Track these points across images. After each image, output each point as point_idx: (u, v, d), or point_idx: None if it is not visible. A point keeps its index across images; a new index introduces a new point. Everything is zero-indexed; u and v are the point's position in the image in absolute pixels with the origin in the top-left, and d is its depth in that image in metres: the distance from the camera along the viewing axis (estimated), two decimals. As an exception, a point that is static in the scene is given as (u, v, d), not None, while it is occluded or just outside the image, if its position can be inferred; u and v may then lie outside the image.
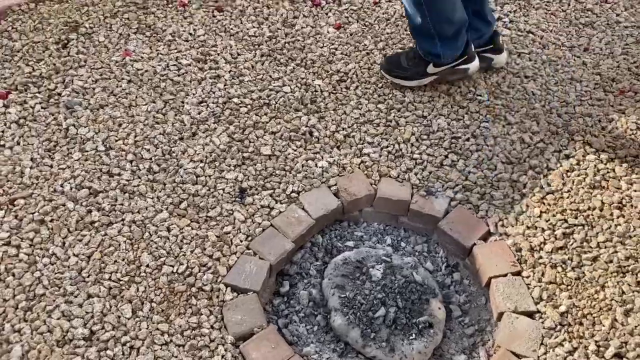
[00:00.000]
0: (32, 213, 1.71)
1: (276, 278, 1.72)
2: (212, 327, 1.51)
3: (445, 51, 1.96)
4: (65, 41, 2.27)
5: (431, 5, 1.83)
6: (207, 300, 1.55)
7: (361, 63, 2.23)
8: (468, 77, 2.09)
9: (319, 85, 2.13)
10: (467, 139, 1.97)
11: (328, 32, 2.37)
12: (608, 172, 1.85)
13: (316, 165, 1.89)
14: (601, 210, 1.75)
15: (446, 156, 1.92)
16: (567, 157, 1.91)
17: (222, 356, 1.45)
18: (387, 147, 1.95)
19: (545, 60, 2.26)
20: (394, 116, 2.04)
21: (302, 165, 1.88)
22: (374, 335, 1.54)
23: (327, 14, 2.46)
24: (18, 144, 1.90)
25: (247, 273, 1.61)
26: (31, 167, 1.83)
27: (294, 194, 1.81)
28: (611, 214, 1.74)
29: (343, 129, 2.00)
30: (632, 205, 1.75)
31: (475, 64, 2.04)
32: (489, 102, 2.08)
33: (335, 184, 1.83)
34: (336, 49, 2.29)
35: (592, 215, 1.74)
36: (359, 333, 1.54)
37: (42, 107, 2.02)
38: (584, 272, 1.61)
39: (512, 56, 2.27)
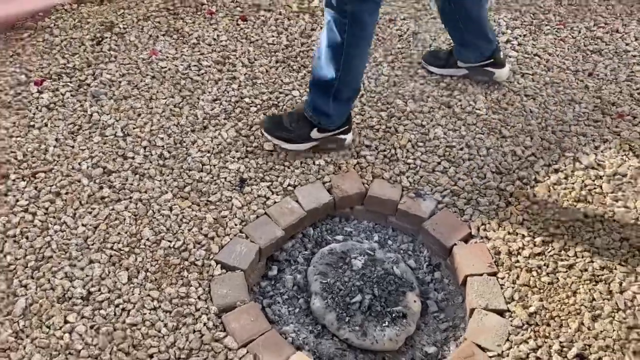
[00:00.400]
0: (50, 186, 1.88)
1: (266, 263, 1.83)
2: (199, 297, 1.62)
3: (335, 112, 1.94)
4: (100, 39, 2.48)
5: (348, 61, 1.82)
6: (197, 274, 1.68)
7: (369, 74, 2.36)
8: (343, 147, 2.04)
9: (326, 91, 2.26)
10: (461, 149, 2.06)
11: (342, 44, 2.51)
12: (595, 188, 1.91)
13: (314, 162, 2.00)
14: (583, 222, 1.81)
15: (439, 163, 2.01)
16: (556, 171, 1.97)
17: (204, 324, 1.56)
18: (383, 151, 2.06)
19: (547, 81, 2.34)
20: (393, 123, 2.15)
21: (301, 162, 2.00)
22: (349, 319, 1.63)
23: (343, 28, 2.61)
24: (46, 125, 2.09)
25: (237, 253, 1.73)
26: (54, 146, 2.01)
27: (290, 187, 1.93)
28: (592, 227, 1.79)
29: (344, 132, 2.12)
30: (614, 220, 1.80)
31: (350, 136, 2.03)
32: (487, 116, 2.16)
33: (330, 181, 1.95)
34: (347, 59, 2.43)
35: (574, 226, 1.80)
36: (335, 316, 1.63)
37: (71, 95, 2.21)
38: (558, 278, 1.67)
39: (516, 76, 2.36)
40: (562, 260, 1.71)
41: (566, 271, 1.69)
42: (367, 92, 2.28)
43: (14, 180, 1.89)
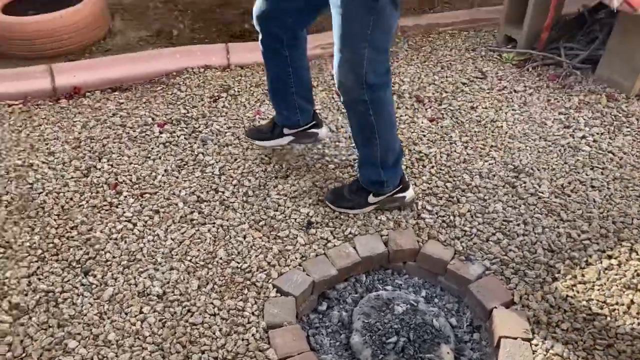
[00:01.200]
0: (152, 205, 2.24)
1: (318, 299, 2.02)
2: (252, 313, 1.84)
3: (388, 178, 2.14)
4: (217, 97, 2.93)
5: (383, 135, 2.04)
6: (255, 293, 1.91)
7: (442, 149, 2.57)
8: (405, 205, 2.23)
9: (400, 160, 2.49)
10: (518, 224, 2.17)
11: (422, 122, 2.76)
12: (648, 279, 1.93)
13: (376, 217, 2.21)
14: (629, 307, 1.83)
15: (494, 234, 2.14)
16: (610, 257, 2.02)
17: (252, 335, 1.77)
18: (443, 216, 2.22)
19: (617, 177, 2.41)
20: (457, 194, 2.32)
21: (364, 215, 2.22)
22: (382, 357, 1.76)
23: (426, 109, 2.87)
24: (159, 158, 2.50)
25: (293, 282, 1.94)
26: (162, 175, 2.40)
27: (350, 235, 2.14)
28: (638, 313, 1.81)
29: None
30: (663, 311, 1.81)
31: (411, 192, 2.22)
32: (548, 199, 2.27)
33: (387, 235, 2.13)
34: (424, 135, 2.67)
35: (618, 310, 1.82)
36: (370, 352, 1.77)
37: (184, 138, 2.63)
38: (593, 355, 1.70)
39: (585, 168, 2.45)
40: (601, 339, 1.74)
41: (604, 350, 1.71)
42: (437, 165, 2.48)
43: (125, 197, 2.28)
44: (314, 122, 2.46)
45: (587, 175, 2.42)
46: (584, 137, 2.67)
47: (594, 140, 2.64)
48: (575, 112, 2.85)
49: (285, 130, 2.46)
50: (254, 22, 2.14)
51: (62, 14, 3.16)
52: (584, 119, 2.79)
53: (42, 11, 3.19)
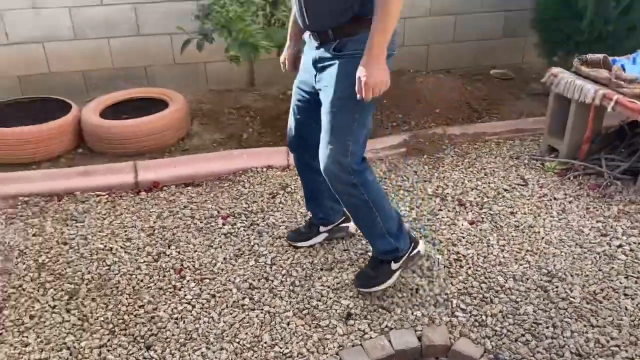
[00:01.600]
0: (210, 289, 2.52)
1: (353, 386, 2.17)
2: (290, 395, 2.02)
3: (399, 243, 2.39)
4: (275, 194, 3.27)
5: (379, 209, 2.28)
6: (294, 376, 2.09)
7: (480, 251, 2.73)
8: (422, 256, 2.55)
9: (438, 259, 2.67)
10: (547, 327, 2.26)
11: (462, 225, 2.95)
12: (676, 389, 1.96)
13: (412, 313, 2.37)
14: (654, 416, 1.86)
15: (523, 335, 2.24)
16: (638, 365, 2.07)
17: (288, 415, 1.94)
18: (475, 315, 2.35)
19: (652, 286, 2.47)
20: (490, 295, 2.45)
21: (401, 311, 2.38)
22: None
23: (467, 212, 3.07)
24: (220, 247, 2.81)
25: (329, 368, 2.12)
26: (221, 262, 2.69)
27: (386, 328, 2.30)
28: (663, 423, 1.84)
29: (445, 294, 2.47)
30: (690, 423, 1.83)
31: (422, 245, 2.54)
32: (579, 304, 2.35)
33: (421, 330, 2.28)
34: (464, 237, 2.85)
35: (643, 418, 1.86)
36: None
37: (243, 229, 2.94)
38: None
39: (619, 276, 2.53)
40: None
41: None
42: (473, 266, 2.64)
43: (187, 281, 2.57)
44: (344, 217, 2.80)
45: (620, 283, 2.50)
46: (620, 245, 2.76)
47: (631, 250, 2.73)
48: (614, 221, 2.95)
49: (321, 229, 2.80)
50: (288, 146, 2.59)
51: (151, 119, 3.67)
52: (622, 228, 2.89)
53: (133, 115, 3.72)
